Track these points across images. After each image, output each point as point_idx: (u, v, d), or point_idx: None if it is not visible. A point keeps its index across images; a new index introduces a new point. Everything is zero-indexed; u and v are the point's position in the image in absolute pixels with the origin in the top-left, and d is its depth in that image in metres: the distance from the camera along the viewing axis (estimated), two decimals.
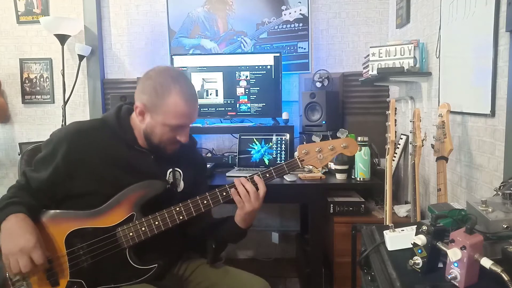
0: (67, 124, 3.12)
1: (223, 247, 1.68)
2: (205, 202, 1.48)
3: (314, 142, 1.59)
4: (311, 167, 2.70)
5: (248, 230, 1.58)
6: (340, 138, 1.59)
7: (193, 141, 1.76)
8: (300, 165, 1.55)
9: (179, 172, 1.62)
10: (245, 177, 1.51)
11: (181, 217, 1.46)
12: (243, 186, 1.48)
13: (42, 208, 1.46)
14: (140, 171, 1.50)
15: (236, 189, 1.49)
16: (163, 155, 1.56)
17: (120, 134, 1.52)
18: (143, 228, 1.44)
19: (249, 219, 1.54)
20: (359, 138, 2.45)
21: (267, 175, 1.52)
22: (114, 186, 1.46)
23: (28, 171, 1.52)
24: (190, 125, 1.55)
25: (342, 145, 1.56)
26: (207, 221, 1.62)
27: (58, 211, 1.47)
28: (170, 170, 1.59)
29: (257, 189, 1.49)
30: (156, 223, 1.45)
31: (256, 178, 1.50)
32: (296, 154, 2.73)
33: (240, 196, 1.48)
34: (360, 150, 2.43)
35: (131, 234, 1.44)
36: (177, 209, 1.46)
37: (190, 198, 1.50)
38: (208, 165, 2.65)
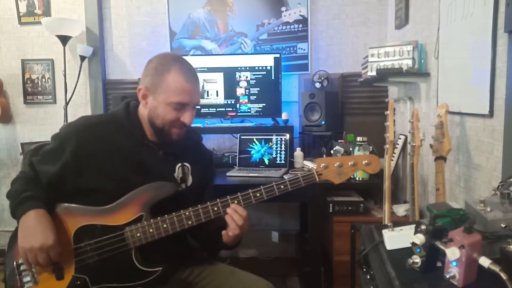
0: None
1: (216, 253, 1.71)
2: (215, 209, 1.46)
3: (335, 155, 1.52)
4: (311, 166, 2.72)
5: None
6: (361, 154, 1.52)
7: (199, 137, 1.77)
8: (317, 179, 1.49)
9: (187, 166, 1.62)
10: (226, 199, 1.47)
11: (189, 222, 1.45)
12: (235, 222, 1.44)
13: (52, 199, 1.47)
14: (148, 168, 1.51)
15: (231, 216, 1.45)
16: (170, 148, 1.57)
17: (129, 128, 1.53)
18: (151, 230, 1.44)
19: (237, 239, 1.54)
20: (358, 138, 2.46)
21: (282, 187, 1.48)
22: (122, 182, 1.47)
23: (36, 162, 1.52)
24: (194, 108, 1.54)
25: (364, 162, 1.49)
26: (214, 224, 1.56)
27: (69, 204, 1.47)
28: (179, 165, 1.60)
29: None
30: (165, 226, 1.44)
31: (234, 206, 1.46)
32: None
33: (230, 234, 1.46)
34: (359, 150, 2.44)
35: (138, 234, 1.43)
36: (187, 213, 1.45)
37: (197, 194, 1.52)
38: None
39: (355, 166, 1.49)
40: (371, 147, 1.56)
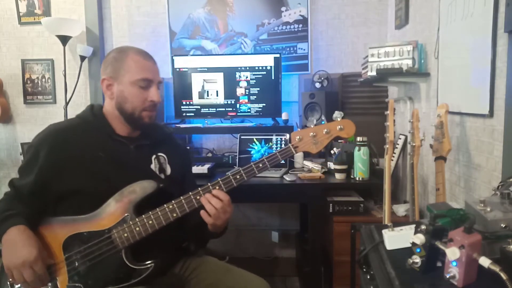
0: None
1: (204, 245, 1.73)
2: (197, 197, 1.47)
3: (308, 126, 1.54)
4: (311, 166, 2.72)
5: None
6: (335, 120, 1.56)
7: (170, 129, 1.83)
8: (294, 151, 1.53)
9: (163, 157, 1.64)
10: (207, 186, 1.48)
11: (174, 215, 1.46)
12: (211, 204, 1.46)
13: (37, 214, 1.47)
14: (123, 163, 1.53)
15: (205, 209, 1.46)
16: (142, 141, 1.59)
17: (97, 126, 1.55)
18: (137, 228, 1.44)
19: (221, 227, 1.54)
20: (358, 138, 2.46)
21: (260, 165, 1.50)
22: (101, 180, 1.48)
23: (15, 180, 1.54)
24: (159, 88, 1.58)
25: (338, 127, 1.53)
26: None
27: (54, 217, 1.48)
28: (154, 156, 1.62)
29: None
30: (150, 222, 1.45)
31: (214, 192, 1.47)
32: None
33: (210, 216, 1.46)
34: (359, 150, 2.44)
35: (125, 235, 1.44)
36: (170, 207, 1.46)
37: (179, 182, 1.55)
38: (208, 165, 2.67)
39: (330, 133, 1.52)
40: (342, 113, 1.59)
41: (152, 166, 1.60)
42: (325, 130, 1.52)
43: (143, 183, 1.50)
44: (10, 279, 1.41)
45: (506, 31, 1.49)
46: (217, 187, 1.49)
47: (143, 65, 1.53)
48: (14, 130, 3.59)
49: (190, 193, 1.48)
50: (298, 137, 1.53)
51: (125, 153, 1.55)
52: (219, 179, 1.49)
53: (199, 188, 1.48)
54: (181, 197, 1.47)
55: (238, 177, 1.50)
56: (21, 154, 3.14)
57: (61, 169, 1.47)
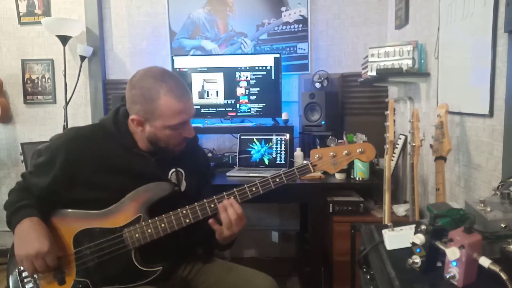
0: (67, 126, 3.16)
1: (212, 252, 1.70)
2: (212, 205, 1.46)
3: (329, 146, 1.52)
4: None
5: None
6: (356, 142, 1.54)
7: (195, 139, 1.74)
8: (312, 170, 1.50)
9: (181, 172, 1.61)
10: (223, 195, 1.47)
11: (187, 220, 1.45)
12: (227, 213, 1.45)
13: (47, 209, 1.47)
14: (141, 175, 1.50)
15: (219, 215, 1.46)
16: (166, 157, 1.55)
17: (118, 137, 1.51)
18: (149, 230, 1.44)
19: (229, 239, 1.53)
20: None
21: (277, 180, 1.49)
22: (116, 192, 1.46)
23: (28, 175, 1.53)
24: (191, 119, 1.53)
25: (358, 150, 1.49)
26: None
27: (67, 210, 1.48)
28: (173, 170, 1.58)
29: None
30: (163, 225, 1.44)
31: (232, 201, 1.46)
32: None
33: (220, 225, 1.46)
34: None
35: (137, 235, 1.44)
36: (184, 212, 1.45)
37: (193, 199, 1.49)
38: None
39: (350, 155, 1.50)
40: (364, 136, 1.56)
41: None
42: (346, 151, 1.49)
43: (159, 184, 1.49)
44: (20, 267, 1.43)
45: (506, 31, 1.49)
46: (232, 198, 1.48)
47: (178, 109, 1.43)
48: (14, 130, 3.58)
49: (205, 200, 1.47)
50: (317, 155, 1.50)
51: (144, 165, 1.52)
52: (235, 190, 1.48)
53: (214, 196, 1.47)
54: (196, 203, 1.47)
55: (254, 189, 1.49)
56: (21, 154, 3.13)
57: (75, 179, 1.46)
